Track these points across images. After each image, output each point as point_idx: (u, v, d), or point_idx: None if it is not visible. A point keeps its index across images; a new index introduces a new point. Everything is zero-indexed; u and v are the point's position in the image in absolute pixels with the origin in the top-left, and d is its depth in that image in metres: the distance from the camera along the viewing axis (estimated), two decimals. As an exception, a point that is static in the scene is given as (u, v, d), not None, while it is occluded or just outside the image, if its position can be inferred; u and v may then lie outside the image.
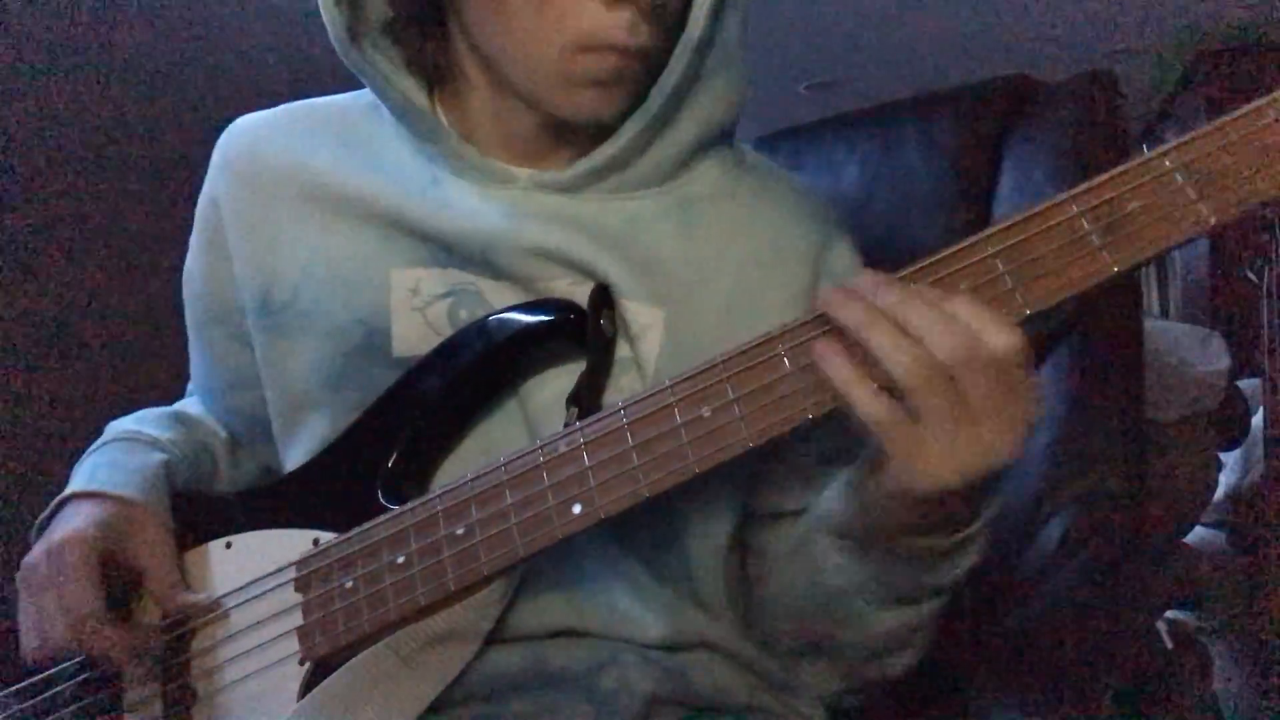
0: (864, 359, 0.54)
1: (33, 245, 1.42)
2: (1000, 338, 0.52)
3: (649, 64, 0.67)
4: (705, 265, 0.70)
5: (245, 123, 0.78)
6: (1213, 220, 0.52)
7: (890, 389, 0.54)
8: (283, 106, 0.78)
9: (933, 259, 0.55)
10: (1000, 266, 0.54)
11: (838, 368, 0.55)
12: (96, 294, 1.50)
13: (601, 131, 0.70)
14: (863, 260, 0.76)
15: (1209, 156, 0.52)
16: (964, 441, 0.53)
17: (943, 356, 0.52)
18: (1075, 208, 0.53)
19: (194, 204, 0.79)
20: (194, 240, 0.79)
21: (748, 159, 0.78)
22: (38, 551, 0.67)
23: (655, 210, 0.71)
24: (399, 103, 0.70)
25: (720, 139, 0.74)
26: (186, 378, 0.89)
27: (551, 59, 0.64)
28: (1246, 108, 0.52)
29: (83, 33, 1.49)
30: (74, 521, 0.68)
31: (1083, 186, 0.54)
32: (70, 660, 0.70)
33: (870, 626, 0.67)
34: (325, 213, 0.72)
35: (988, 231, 0.55)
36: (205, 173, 0.78)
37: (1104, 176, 0.54)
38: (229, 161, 0.76)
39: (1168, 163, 0.53)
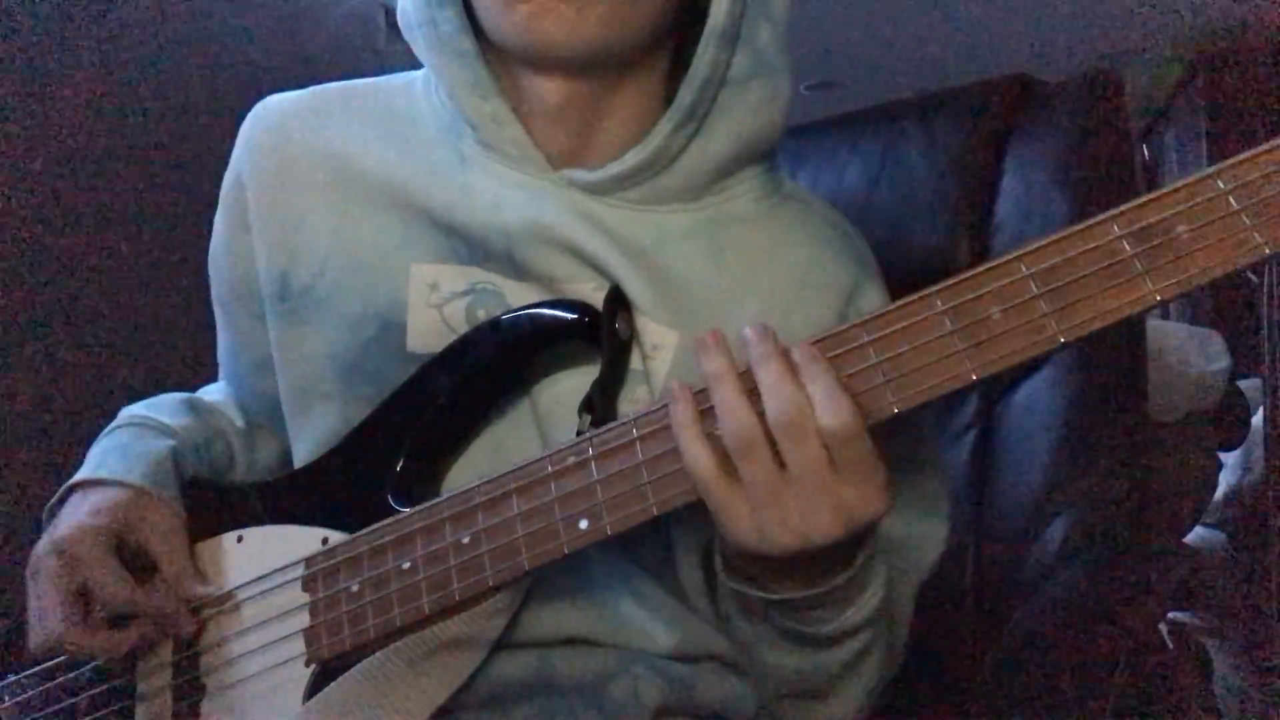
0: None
1: (52, 230, 1.42)
2: (831, 415, 0.51)
3: None
4: (730, 291, 0.69)
5: (274, 102, 0.76)
6: (1268, 250, 0.47)
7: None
8: (312, 88, 0.77)
9: (962, 277, 0.52)
10: (1034, 288, 0.50)
11: (678, 410, 0.55)
12: (118, 278, 1.50)
13: (636, 135, 0.69)
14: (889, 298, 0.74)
15: (1267, 178, 0.47)
16: (772, 514, 0.53)
17: (771, 419, 0.52)
18: (1117, 228, 0.49)
19: (216, 186, 0.78)
20: (219, 219, 0.78)
21: (786, 186, 0.76)
22: (44, 544, 0.67)
23: (686, 226, 0.70)
24: (467, 51, 0.68)
25: (758, 160, 0.73)
26: (205, 363, 0.89)
27: None
28: None
29: (98, 14, 1.49)
30: (77, 513, 0.68)
31: (1127, 206, 0.49)
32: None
33: (764, 660, 0.66)
34: (350, 199, 0.71)
35: (1021, 250, 0.51)
36: (227, 154, 0.77)
37: (1150, 196, 0.49)
38: (256, 140, 0.75)
39: (1221, 183, 0.48)
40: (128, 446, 0.73)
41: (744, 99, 0.69)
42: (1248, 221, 0.47)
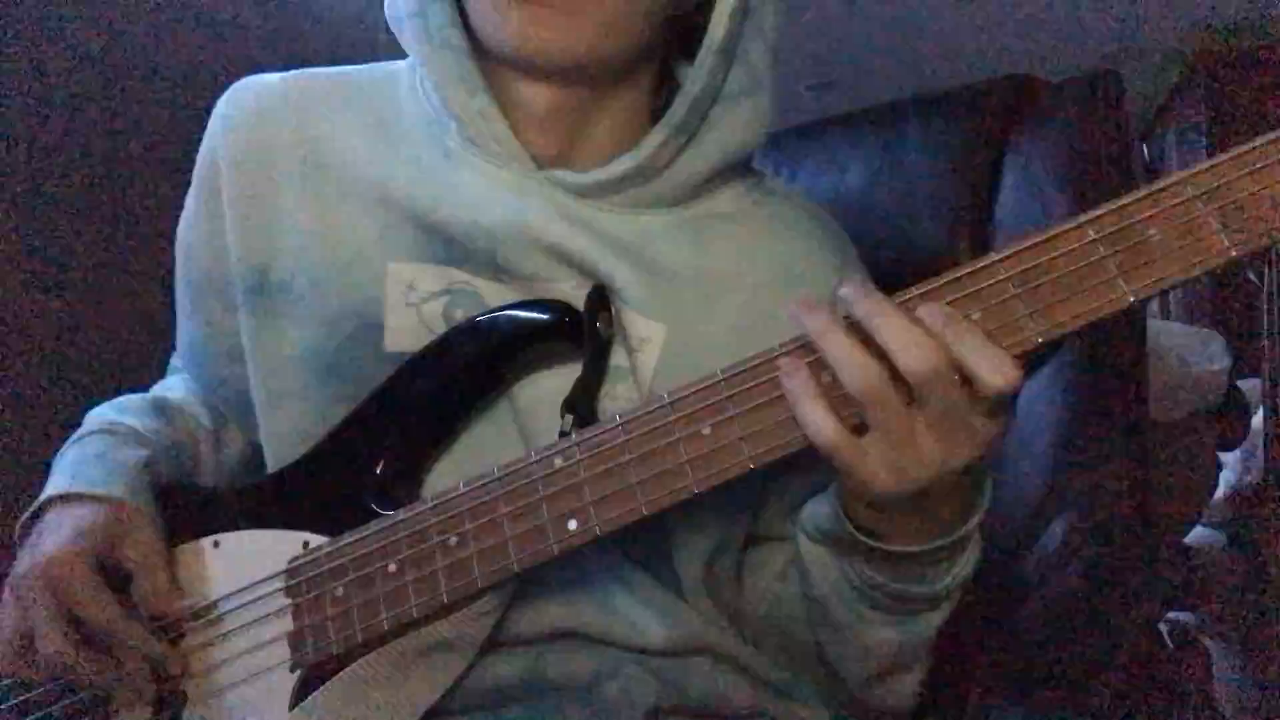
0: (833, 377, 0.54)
1: (43, 226, 1.41)
2: (998, 374, 0.51)
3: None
4: (715, 283, 0.69)
5: (252, 83, 0.75)
6: (1234, 252, 0.50)
7: (843, 399, 0.54)
8: (292, 72, 0.76)
9: (944, 280, 0.54)
10: (1013, 289, 0.52)
11: (794, 381, 0.55)
12: (105, 276, 1.49)
13: (624, 146, 0.69)
14: (872, 277, 0.75)
15: (1233, 184, 0.50)
16: (908, 453, 0.53)
17: (909, 370, 0.52)
18: (1092, 232, 0.51)
19: (178, 178, 0.76)
20: (190, 202, 0.76)
21: (766, 183, 0.77)
22: (27, 563, 0.65)
23: (668, 225, 0.71)
24: (457, 44, 0.68)
25: (740, 164, 0.73)
26: (166, 358, 0.87)
27: None
28: (1273, 134, 0.50)
29: (92, 9, 1.49)
30: (61, 532, 0.66)
31: (1100, 210, 0.52)
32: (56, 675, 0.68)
33: (863, 639, 0.66)
34: (329, 191, 0.70)
35: (1001, 253, 0.53)
36: (193, 148, 0.75)
37: (1123, 200, 0.51)
38: (232, 122, 0.73)
39: (1189, 190, 0.50)
40: (103, 456, 0.71)
41: (734, 115, 0.70)
42: (1215, 225, 0.49)
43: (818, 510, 0.65)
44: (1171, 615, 2.36)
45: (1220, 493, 2.39)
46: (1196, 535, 2.50)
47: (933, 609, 0.64)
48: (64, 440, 0.75)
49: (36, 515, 0.69)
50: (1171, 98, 4.28)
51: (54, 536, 0.66)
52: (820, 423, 0.54)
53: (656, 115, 0.71)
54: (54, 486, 0.70)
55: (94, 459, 0.71)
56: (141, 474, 0.71)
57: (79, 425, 0.76)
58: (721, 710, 0.71)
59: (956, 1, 3.31)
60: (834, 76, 3.82)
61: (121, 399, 0.80)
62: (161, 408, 0.79)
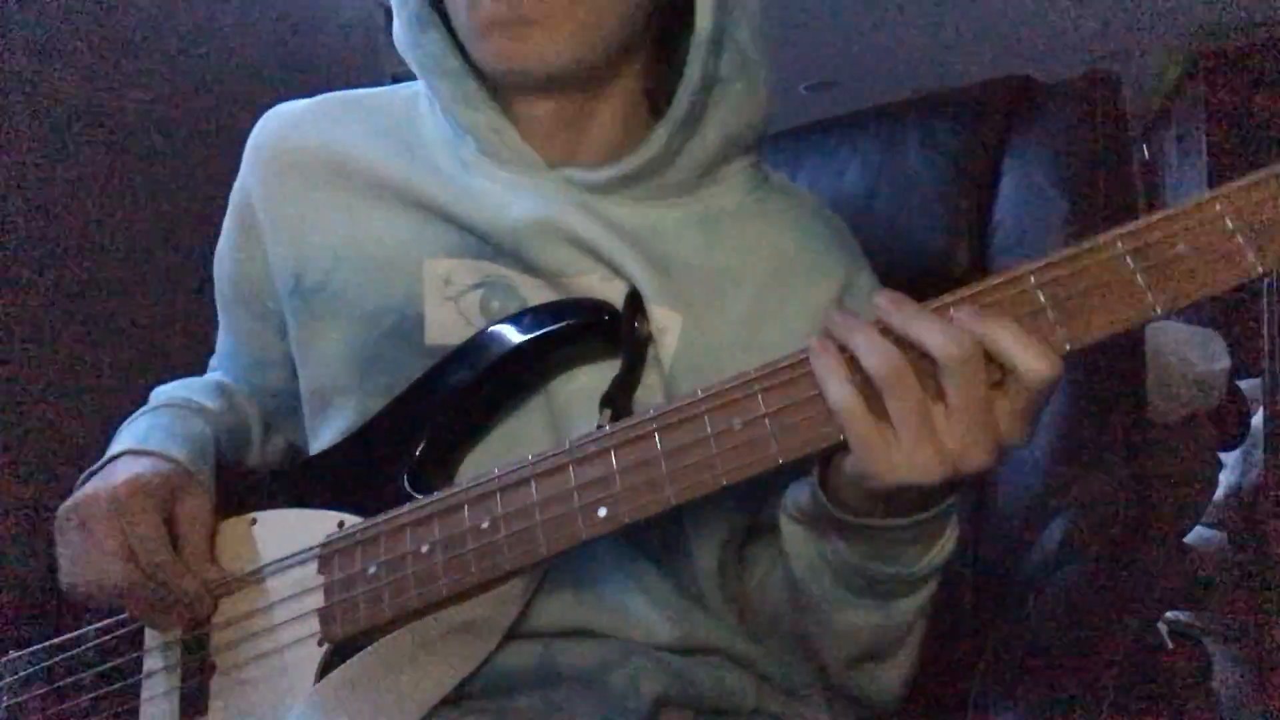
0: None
1: (52, 233, 1.42)
2: (1042, 360, 0.52)
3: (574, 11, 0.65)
4: (727, 276, 0.71)
5: (279, 111, 0.79)
6: (1260, 269, 0.51)
7: (874, 392, 0.54)
8: (318, 97, 0.79)
9: (975, 288, 0.55)
10: (1042, 298, 0.54)
11: (823, 359, 0.55)
12: (117, 280, 1.50)
13: (629, 137, 0.72)
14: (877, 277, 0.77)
15: (1262, 205, 0.51)
16: (925, 444, 0.53)
17: (941, 355, 0.52)
18: (1122, 245, 0.53)
19: (215, 184, 0.80)
20: (226, 224, 0.80)
21: (771, 179, 0.79)
22: (94, 488, 0.67)
23: (680, 219, 0.73)
24: (454, 69, 0.70)
25: (744, 151, 0.75)
26: (205, 358, 0.90)
27: (463, 8, 0.66)
28: None
29: (109, 18, 1.50)
30: (134, 469, 0.68)
31: (1131, 225, 0.53)
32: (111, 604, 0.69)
33: (838, 621, 0.66)
34: (357, 197, 0.73)
35: (1032, 263, 0.54)
36: (226, 151, 0.79)
37: (1154, 217, 0.53)
38: (260, 150, 0.77)
39: (1218, 207, 0.52)
40: (173, 426, 0.74)
41: (729, 96, 0.71)
42: (1242, 242, 0.51)
43: (798, 490, 0.66)
44: (1171, 615, 2.37)
45: (1220, 493, 2.39)
46: (1196, 535, 2.51)
47: (908, 594, 0.64)
48: (99, 437, 0.77)
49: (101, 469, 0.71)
50: (1171, 98, 4.28)
51: (126, 473, 0.68)
52: (844, 395, 0.54)
53: (654, 99, 0.74)
54: (122, 445, 0.72)
55: (164, 427, 0.74)
56: (208, 446, 0.74)
57: (117, 422, 0.78)
58: (727, 706, 0.72)
59: (957, 1, 3.31)
60: (834, 76, 3.83)
61: (186, 379, 0.83)
62: (224, 390, 0.83)
